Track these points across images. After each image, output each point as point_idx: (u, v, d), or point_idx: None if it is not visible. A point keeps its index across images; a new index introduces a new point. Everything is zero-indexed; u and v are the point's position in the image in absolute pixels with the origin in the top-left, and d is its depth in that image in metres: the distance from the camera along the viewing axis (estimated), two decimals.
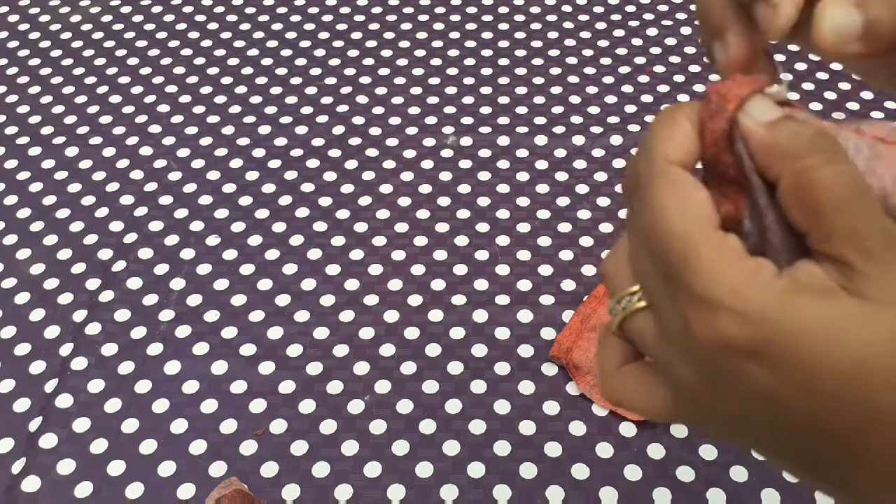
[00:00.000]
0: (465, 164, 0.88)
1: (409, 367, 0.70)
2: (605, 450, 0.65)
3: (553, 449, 0.65)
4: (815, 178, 0.27)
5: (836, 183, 0.26)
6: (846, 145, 0.29)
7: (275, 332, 0.73)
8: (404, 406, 0.68)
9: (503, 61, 1.00)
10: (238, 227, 0.82)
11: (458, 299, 0.75)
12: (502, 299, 0.75)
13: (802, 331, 0.26)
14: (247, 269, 0.78)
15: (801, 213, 0.27)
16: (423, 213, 0.83)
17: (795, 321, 0.26)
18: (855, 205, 0.26)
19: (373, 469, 0.64)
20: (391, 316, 0.74)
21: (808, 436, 0.27)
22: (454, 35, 1.04)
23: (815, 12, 0.30)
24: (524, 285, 0.76)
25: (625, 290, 0.31)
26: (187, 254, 0.80)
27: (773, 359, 0.26)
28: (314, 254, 0.79)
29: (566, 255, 0.78)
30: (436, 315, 0.74)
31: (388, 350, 0.72)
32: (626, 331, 0.31)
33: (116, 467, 0.65)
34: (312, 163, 0.88)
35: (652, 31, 1.03)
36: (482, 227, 0.81)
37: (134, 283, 0.77)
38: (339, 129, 0.92)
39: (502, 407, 0.68)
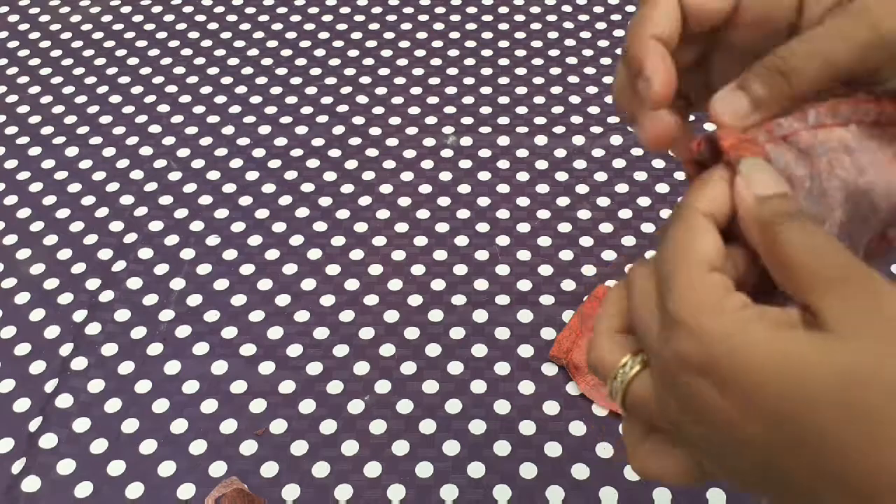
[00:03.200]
0: (465, 164, 0.88)
1: (409, 367, 0.70)
2: (605, 450, 0.65)
3: (553, 449, 0.65)
4: (780, 240, 0.29)
5: (797, 240, 0.29)
6: (818, 153, 0.32)
7: (275, 332, 0.73)
8: (404, 406, 0.68)
9: (503, 61, 1.00)
10: (238, 227, 0.82)
11: (458, 299, 0.75)
12: (502, 299, 0.75)
13: (752, 356, 0.27)
14: (247, 269, 0.78)
15: (772, 270, 0.30)
16: (423, 213, 0.83)
17: (746, 346, 0.28)
18: (816, 257, 0.28)
19: (373, 469, 0.64)
20: (391, 316, 0.74)
21: (767, 464, 0.28)
22: (454, 35, 1.04)
23: (711, 100, 0.34)
24: (524, 285, 0.76)
25: (616, 366, 0.33)
26: (187, 254, 0.80)
27: (722, 379, 0.28)
28: (314, 254, 0.79)
29: (566, 255, 0.78)
30: (436, 315, 0.74)
31: (388, 350, 0.72)
32: (630, 406, 0.32)
33: (116, 467, 0.65)
34: (312, 163, 0.88)
35: None
36: (482, 227, 0.81)
37: (134, 283, 0.77)
38: (339, 129, 0.92)
39: (502, 407, 0.68)
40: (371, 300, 0.75)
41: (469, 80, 0.97)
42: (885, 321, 0.27)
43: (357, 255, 0.79)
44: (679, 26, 0.35)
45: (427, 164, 0.88)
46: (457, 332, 0.73)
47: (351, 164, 0.88)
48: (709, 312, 0.29)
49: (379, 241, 0.80)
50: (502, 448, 0.65)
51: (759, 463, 0.28)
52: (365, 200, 0.84)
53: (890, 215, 0.36)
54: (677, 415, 0.30)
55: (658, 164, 0.87)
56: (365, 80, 0.98)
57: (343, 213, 0.83)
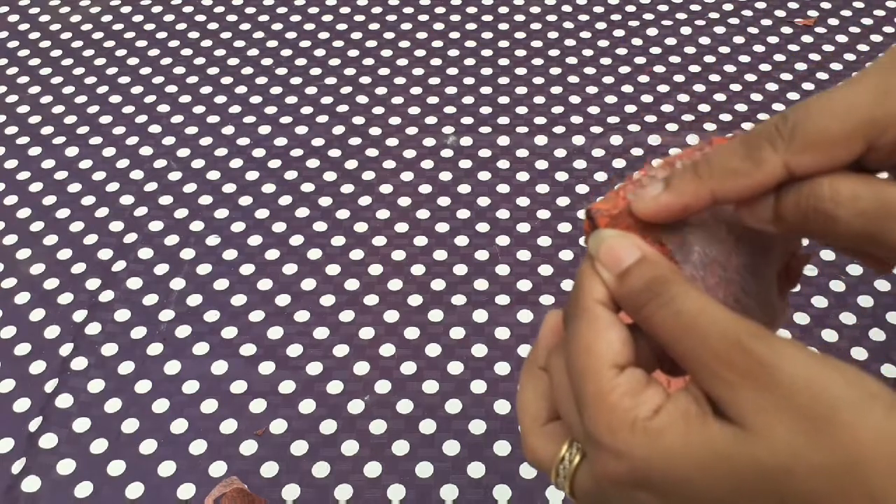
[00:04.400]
0: (465, 164, 0.88)
1: (409, 367, 0.70)
2: None
3: None
4: (654, 324, 0.30)
5: (671, 325, 0.29)
6: None
7: (275, 332, 0.73)
8: (404, 406, 0.68)
9: (503, 61, 1.00)
10: (238, 227, 0.82)
11: (458, 299, 0.75)
12: (502, 299, 0.75)
13: (673, 463, 0.28)
14: (247, 269, 0.78)
15: (669, 353, 0.30)
16: (423, 213, 0.83)
17: (664, 455, 0.28)
18: (696, 341, 0.28)
19: (373, 469, 0.64)
20: (391, 316, 0.74)
21: None
22: (454, 35, 1.04)
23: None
24: (524, 285, 0.76)
25: (555, 461, 0.32)
26: (187, 254, 0.80)
27: (658, 489, 0.28)
28: (314, 254, 0.79)
29: (566, 255, 0.78)
30: (436, 315, 0.74)
31: (388, 350, 0.72)
32: (581, 496, 0.32)
33: (116, 467, 0.65)
34: (312, 163, 0.88)
35: (652, 31, 1.03)
36: (482, 227, 0.81)
37: (134, 283, 0.77)
38: (339, 129, 0.92)
39: (502, 407, 0.68)
40: (371, 300, 0.75)
41: (469, 80, 0.97)
42: (791, 409, 0.27)
43: (357, 255, 0.79)
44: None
45: (427, 164, 0.88)
46: (457, 332, 0.73)
47: (351, 164, 0.88)
48: (624, 430, 0.29)
49: (379, 241, 0.80)
50: (502, 448, 0.65)
51: None
52: (365, 200, 0.84)
53: (788, 241, 0.35)
54: None
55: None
56: (365, 80, 0.98)
57: (343, 213, 0.83)
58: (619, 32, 1.03)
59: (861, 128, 0.29)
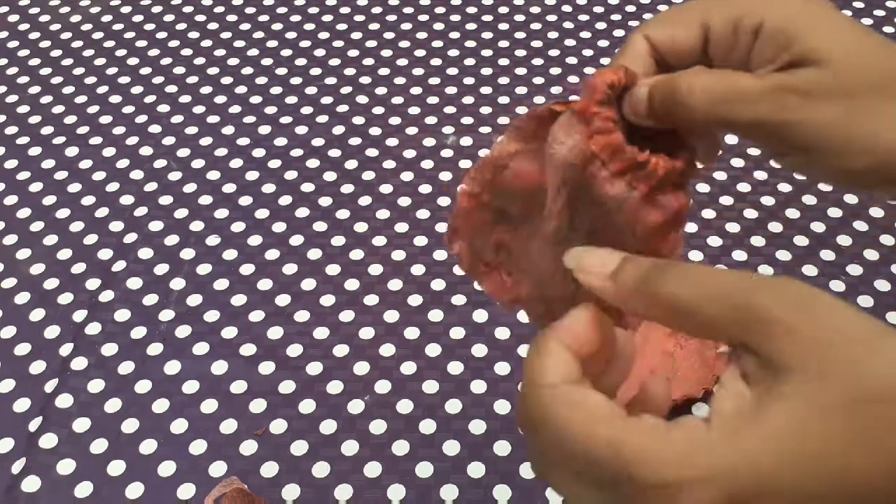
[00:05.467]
0: (466, 164, 0.88)
1: (409, 367, 0.70)
2: None
3: None
4: (662, 315, 0.30)
5: (680, 304, 0.30)
6: None
7: (275, 332, 0.73)
8: (404, 406, 0.68)
9: (503, 61, 1.00)
10: (238, 227, 0.82)
11: (458, 299, 0.75)
12: None
13: (779, 457, 0.26)
14: (247, 269, 0.78)
15: (687, 332, 0.31)
16: (423, 213, 0.83)
17: (759, 454, 0.26)
18: (706, 303, 0.29)
19: (373, 469, 0.64)
20: (391, 316, 0.74)
21: None
22: (454, 35, 1.04)
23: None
24: None
25: None
26: (187, 254, 0.80)
27: (781, 495, 0.26)
28: (314, 254, 0.79)
29: None
30: (436, 315, 0.74)
31: (388, 350, 0.72)
32: None
33: (116, 467, 0.65)
34: (312, 163, 0.88)
35: None
36: None
37: (134, 283, 0.77)
38: (339, 129, 0.92)
39: (502, 407, 0.68)
40: (371, 300, 0.75)
41: (469, 80, 0.97)
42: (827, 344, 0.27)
43: (357, 254, 0.79)
44: (653, 67, 0.37)
45: (427, 163, 0.88)
46: (457, 332, 0.73)
47: (351, 164, 0.88)
48: (690, 450, 0.27)
49: (379, 240, 0.80)
50: (502, 448, 0.65)
51: None
52: (365, 200, 0.84)
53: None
54: None
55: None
56: (365, 80, 0.98)
57: (343, 213, 0.83)
58: (619, 32, 1.03)
59: (697, 16, 0.37)
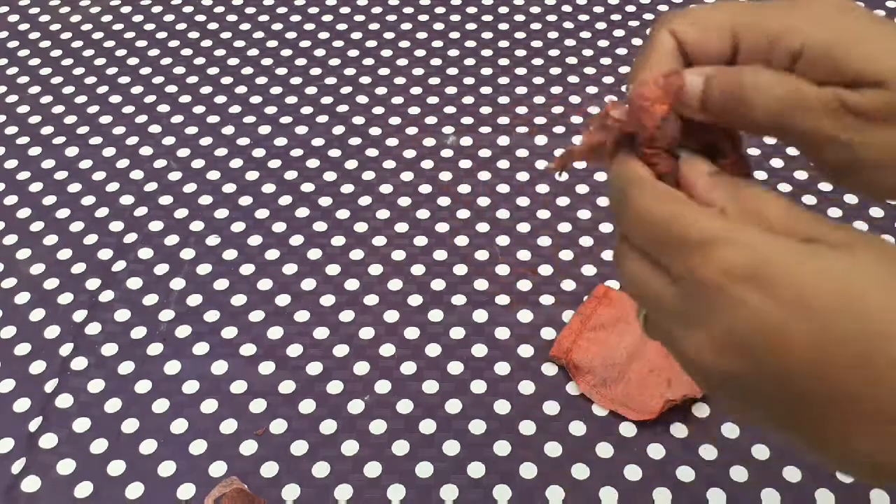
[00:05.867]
0: (465, 163, 0.88)
1: (409, 367, 0.70)
2: (605, 450, 0.65)
3: (553, 449, 0.65)
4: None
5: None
6: None
7: (275, 332, 0.73)
8: (404, 406, 0.68)
9: (503, 61, 1.00)
10: (238, 227, 0.82)
11: (458, 299, 0.75)
12: (502, 299, 0.75)
13: (791, 262, 0.29)
14: (247, 269, 0.78)
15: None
16: (423, 213, 0.83)
17: (783, 254, 0.29)
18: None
19: (373, 469, 0.64)
20: (391, 316, 0.74)
21: (809, 374, 0.29)
22: (454, 35, 1.04)
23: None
24: (524, 285, 0.76)
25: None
26: (187, 254, 0.80)
27: (769, 283, 0.29)
28: (314, 254, 0.79)
29: (566, 255, 0.78)
30: (436, 315, 0.74)
31: (388, 350, 0.72)
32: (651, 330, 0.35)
33: (116, 467, 0.65)
34: (312, 163, 0.88)
35: None
36: (482, 227, 0.81)
37: (134, 283, 0.77)
38: (339, 129, 0.92)
39: (502, 407, 0.68)
40: (371, 300, 0.75)
41: (469, 80, 0.97)
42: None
43: (357, 254, 0.79)
44: (681, 66, 0.36)
45: (427, 163, 0.88)
46: (457, 332, 0.73)
47: (351, 164, 0.88)
48: (737, 226, 0.30)
49: (379, 240, 0.80)
50: (502, 448, 0.65)
51: (799, 377, 0.29)
52: (365, 200, 0.84)
53: None
54: (718, 339, 0.31)
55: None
56: (365, 79, 0.98)
57: (343, 213, 0.83)
58: (619, 32, 1.03)
59: (728, 23, 0.35)
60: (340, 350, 0.72)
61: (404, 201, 0.84)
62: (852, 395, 0.28)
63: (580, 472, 0.64)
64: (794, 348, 0.29)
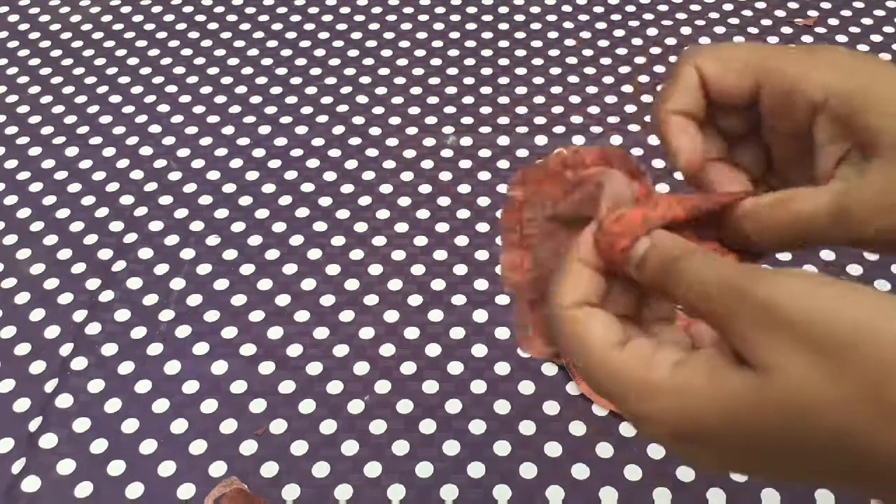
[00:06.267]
0: (465, 164, 0.88)
1: (408, 367, 0.70)
2: (605, 450, 0.65)
3: (553, 449, 0.65)
4: (680, 300, 0.31)
5: (691, 297, 0.30)
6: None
7: (275, 332, 0.73)
8: (404, 406, 0.68)
9: (503, 61, 1.00)
10: (238, 227, 0.82)
11: (458, 299, 0.75)
12: (502, 299, 0.75)
13: (704, 418, 0.29)
14: (247, 269, 0.78)
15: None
16: (423, 213, 0.83)
17: (694, 412, 0.29)
18: (706, 300, 0.30)
19: (373, 469, 0.64)
20: (391, 316, 0.74)
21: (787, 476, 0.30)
22: (454, 35, 1.04)
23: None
24: None
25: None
26: (187, 254, 0.80)
27: (700, 442, 0.29)
28: (314, 254, 0.79)
29: None
30: (436, 315, 0.74)
31: (388, 350, 0.72)
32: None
33: (116, 467, 0.65)
34: (312, 163, 0.88)
35: (652, 31, 1.03)
36: (482, 227, 0.81)
37: (134, 282, 0.77)
38: (339, 129, 0.92)
39: (502, 407, 0.68)
40: (371, 300, 0.75)
41: (469, 80, 0.97)
42: (807, 344, 0.27)
43: (357, 254, 0.79)
44: (702, 100, 0.36)
45: (427, 163, 0.88)
46: (457, 332, 0.73)
47: (351, 164, 0.88)
48: (651, 397, 0.30)
49: (379, 240, 0.80)
50: (502, 448, 0.65)
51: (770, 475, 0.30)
52: (365, 200, 0.84)
53: None
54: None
55: (658, 163, 0.87)
56: (365, 79, 0.98)
57: (343, 213, 0.83)
58: (619, 32, 1.03)
59: (751, 68, 0.35)
60: (340, 350, 0.72)
61: (404, 201, 0.84)
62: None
63: (580, 471, 0.64)
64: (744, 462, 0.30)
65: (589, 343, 0.32)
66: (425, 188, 0.85)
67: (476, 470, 0.64)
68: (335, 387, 0.69)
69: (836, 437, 0.26)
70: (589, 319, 0.32)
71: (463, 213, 0.83)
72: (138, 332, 0.73)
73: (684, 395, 0.29)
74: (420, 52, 1.01)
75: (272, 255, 0.79)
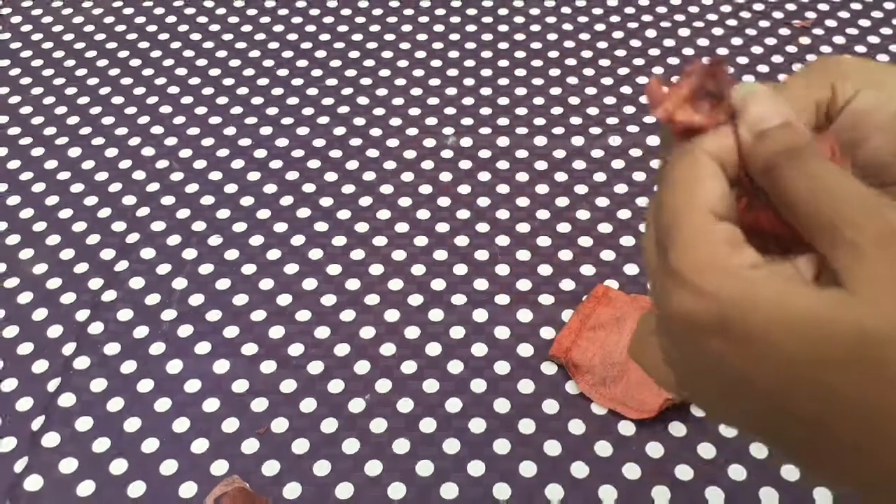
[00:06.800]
0: (465, 164, 0.88)
1: (409, 367, 0.71)
2: (604, 448, 0.65)
3: (552, 447, 0.65)
4: (783, 184, 0.28)
5: (804, 186, 0.28)
6: None
7: (276, 332, 0.73)
8: (405, 405, 0.68)
9: (503, 63, 1.00)
10: (240, 227, 0.82)
11: (458, 299, 0.75)
12: (502, 299, 0.75)
13: (760, 312, 0.26)
14: (248, 269, 0.79)
15: (784, 215, 0.29)
16: (423, 214, 0.83)
17: (754, 303, 0.27)
18: (831, 203, 0.27)
19: (373, 468, 0.65)
20: (392, 315, 0.74)
21: (775, 416, 0.28)
22: (454, 37, 1.04)
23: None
24: (524, 285, 0.76)
25: None
26: (189, 254, 0.80)
27: (735, 335, 0.27)
28: (315, 254, 0.80)
29: (566, 255, 0.79)
30: (436, 315, 0.74)
31: (388, 349, 0.72)
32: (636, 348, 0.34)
33: (118, 466, 0.65)
34: (313, 163, 0.89)
35: (651, 33, 1.03)
36: (482, 227, 0.82)
37: (136, 282, 0.78)
38: (339, 130, 0.92)
39: (502, 406, 0.68)
40: (372, 300, 0.76)
41: (469, 82, 0.98)
42: None
43: (358, 254, 0.79)
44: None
45: (427, 164, 0.88)
46: (457, 332, 0.73)
47: (352, 165, 0.88)
48: (715, 271, 0.27)
49: (379, 241, 0.81)
50: (502, 447, 0.65)
51: (767, 416, 0.28)
52: (366, 201, 0.85)
53: None
54: (682, 365, 0.29)
55: (657, 164, 0.87)
56: (366, 81, 0.98)
57: (344, 214, 0.83)
58: (618, 34, 1.03)
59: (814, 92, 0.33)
60: (341, 349, 0.72)
61: (405, 202, 0.84)
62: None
63: (579, 470, 0.64)
64: (762, 406, 0.28)
65: (692, 194, 0.29)
66: (425, 189, 0.85)
67: (476, 468, 0.64)
68: (336, 386, 0.70)
69: None
70: (708, 174, 0.29)
71: (463, 214, 0.83)
72: (140, 332, 0.74)
73: (754, 285, 0.27)
74: (420, 54, 1.02)
75: (273, 255, 0.80)
